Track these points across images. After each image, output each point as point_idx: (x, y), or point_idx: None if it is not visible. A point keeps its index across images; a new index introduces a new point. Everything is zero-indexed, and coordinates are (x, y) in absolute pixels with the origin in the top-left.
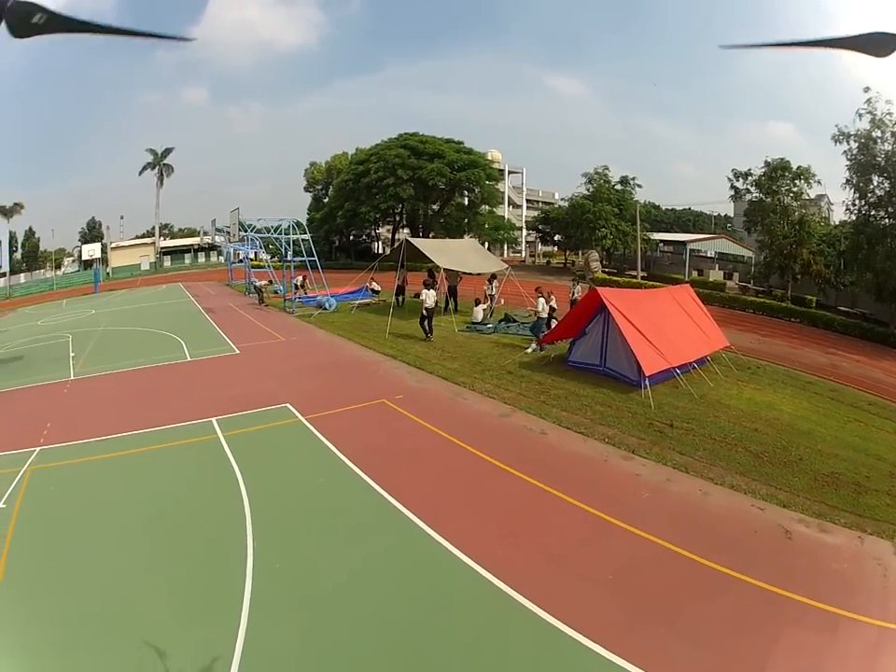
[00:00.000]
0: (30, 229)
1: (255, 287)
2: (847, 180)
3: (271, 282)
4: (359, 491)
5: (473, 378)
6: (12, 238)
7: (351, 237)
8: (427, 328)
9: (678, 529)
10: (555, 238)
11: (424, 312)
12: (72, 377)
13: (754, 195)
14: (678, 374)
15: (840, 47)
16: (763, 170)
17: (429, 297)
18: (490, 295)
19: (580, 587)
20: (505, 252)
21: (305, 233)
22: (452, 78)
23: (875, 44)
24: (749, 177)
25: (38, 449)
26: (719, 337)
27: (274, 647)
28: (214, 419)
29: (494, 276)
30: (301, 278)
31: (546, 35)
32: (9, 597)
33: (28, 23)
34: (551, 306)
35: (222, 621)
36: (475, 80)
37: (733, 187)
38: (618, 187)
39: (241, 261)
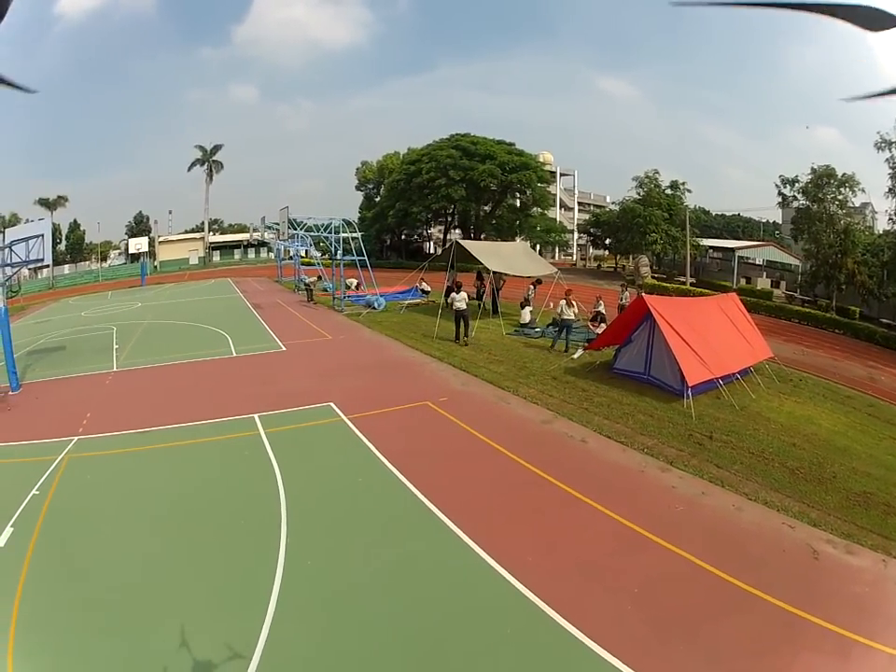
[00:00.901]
0: (74, 221)
1: (304, 284)
2: (890, 189)
3: (320, 277)
4: (396, 493)
5: (518, 382)
6: (56, 230)
7: (403, 237)
8: (461, 331)
9: (708, 545)
10: (606, 242)
11: (456, 314)
12: (115, 369)
13: (801, 202)
14: (720, 385)
15: (829, 14)
16: (810, 177)
17: (457, 299)
18: (526, 298)
19: (604, 598)
20: (557, 255)
21: (355, 232)
22: (503, 79)
23: (868, 17)
24: (797, 184)
25: (76, 438)
26: (763, 347)
27: (296, 642)
28: (256, 415)
29: (539, 281)
30: (355, 280)
31: (595, 35)
32: (35, 581)
33: None
34: (598, 311)
35: (248, 614)
36: (527, 81)
37: (780, 193)
38: (668, 191)
39: (291, 258)
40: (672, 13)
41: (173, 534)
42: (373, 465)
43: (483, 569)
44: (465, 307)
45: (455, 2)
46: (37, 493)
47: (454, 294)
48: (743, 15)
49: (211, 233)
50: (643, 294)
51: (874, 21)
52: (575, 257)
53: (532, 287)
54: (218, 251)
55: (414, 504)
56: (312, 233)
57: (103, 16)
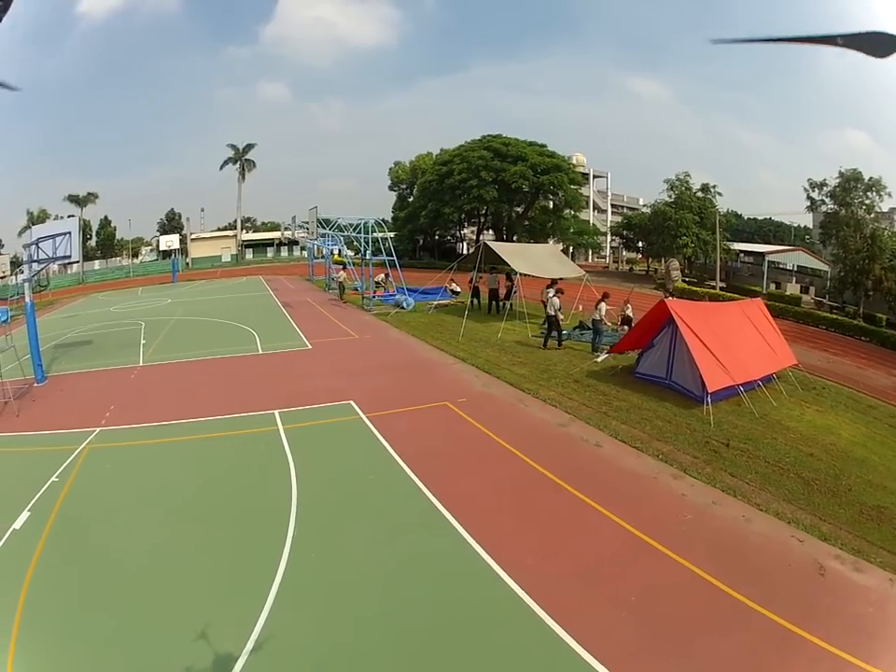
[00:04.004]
0: (105, 217)
1: (336, 282)
2: None
3: (345, 265)
4: (406, 492)
5: (539, 385)
6: (87, 226)
7: (436, 237)
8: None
9: (712, 556)
10: (639, 245)
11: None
12: (140, 363)
13: (829, 207)
14: (741, 392)
15: (837, 44)
16: (838, 180)
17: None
18: (544, 301)
19: (600, 605)
20: (589, 257)
21: (386, 232)
22: (535, 80)
23: (874, 43)
24: (825, 188)
25: (98, 429)
26: (787, 354)
27: (291, 631)
28: (276, 412)
29: (555, 281)
30: (382, 276)
31: (626, 36)
32: (46, 563)
33: None
34: (626, 315)
35: (247, 601)
36: (559, 82)
37: (809, 197)
38: (699, 194)
39: (322, 257)
40: (700, 15)
41: (184, 523)
42: (386, 463)
43: (483, 570)
44: (553, 313)
45: (482, 1)
46: (56, 480)
47: (551, 297)
48: (771, 17)
49: (244, 231)
50: (665, 298)
51: (880, 46)
52: (608, 259)
53: (550, 289)
54: (251, 249)
55: (423, 503)
56: (342, 233)
57: (125, 15)
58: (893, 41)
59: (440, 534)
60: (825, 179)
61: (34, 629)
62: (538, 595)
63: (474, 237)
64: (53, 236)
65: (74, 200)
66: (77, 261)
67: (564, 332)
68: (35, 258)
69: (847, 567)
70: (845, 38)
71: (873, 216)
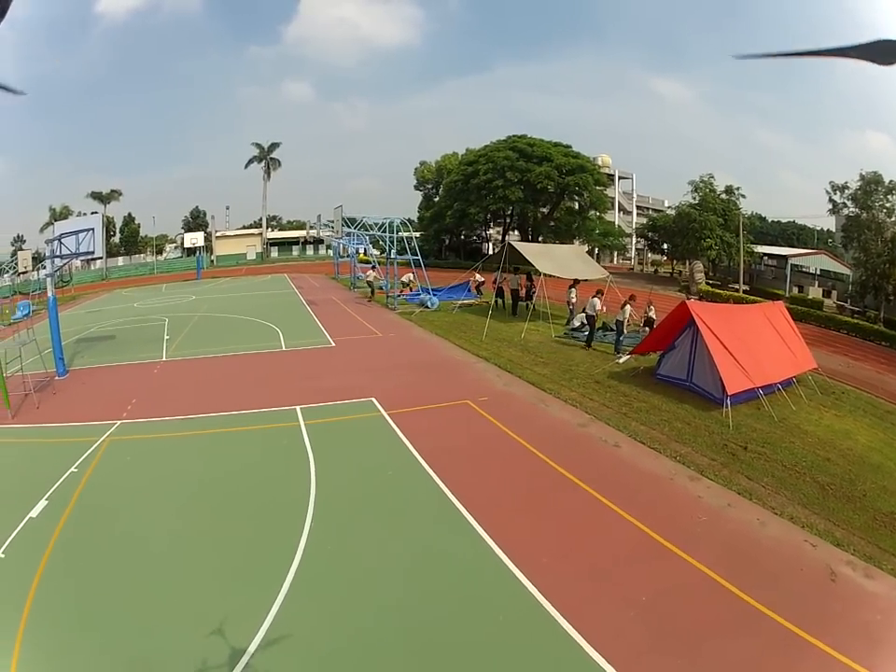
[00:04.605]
0: (129, 214)
1: (367, 281)
2: None
3: (374, 265)
4: (424, 488)
5: (560, 385)
6: (110, 223)
7: (462, 237)
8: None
9: (725, 558)
10: (663, 247)
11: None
12: (163, 358)
13: (850, 210)
14: (761, 395)
15: (844, 55)
16: (859, 183)
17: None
18: (568, 301)
19: (611, 605)
20: (615, 259)
21: (410, 232)
22: (559, 80)
23: (879, 52)
24: (846, 190)
25: (119, 422)
26: (807, 358)
27: (303, 620)
28: (298, 407)
29: (577, 281)
30: (409, 275)
31: (646, 36)
32: (61, 550)
33: None
34: (649, 317)
35: (261, 592)
36: (582, 83)
37: (830, 200)
38: (723, 196)
39: (348, 256)
40: (723, 15)
41: (202, 514)
42: (406, 459)
43: (497, 567)
44: (593, 314)
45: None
46: (75, 470)
47: (594, 299)
48: (793, 18)
49: (269, 229)
50: (686, 300)
51: (887, 54)
52: (633, 261)
53: (572, 290)
54: (276, 247)
55: (440, 500)
56: (367, 232)
57: (145, 15)
58: None
59: (455, 530)
60: (846, 182)
61: (44, 615)
62: (550, 594)
63: (500, 237)
64: (76, 232)
65: (97, 197)
66: (101, 257)
67: (586, 333)
68: (58, 253)
69: (859, 574)
70: (855, 49)
71: (894, 219)
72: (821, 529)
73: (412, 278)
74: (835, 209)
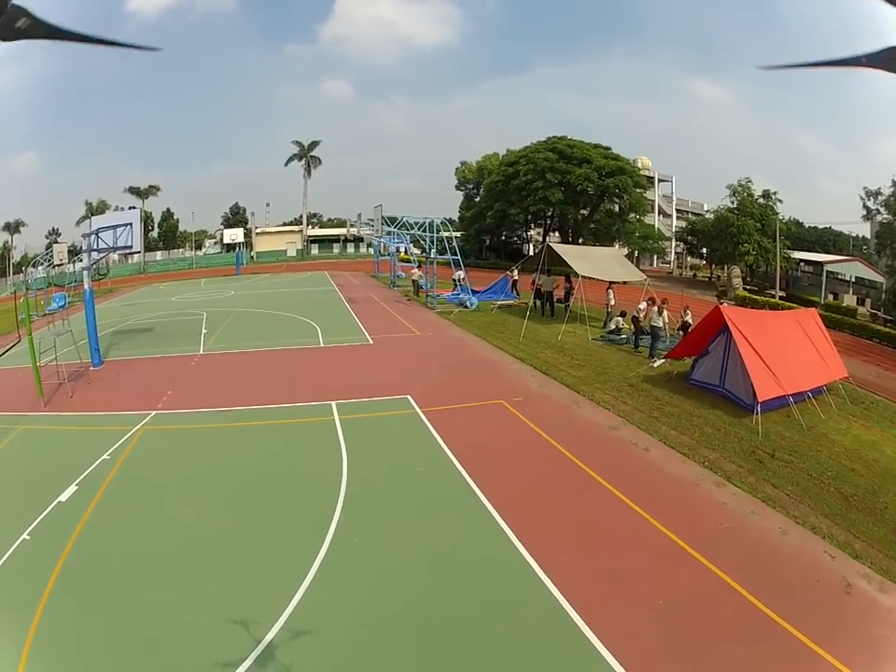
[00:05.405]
0: (167, 209)
1: (413, 279)
2: None
3: (420, 264)
4: (453, 484)
5: (594, 388)
6: (148, 217)
7: (502, 237)
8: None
9: (744, 566)
10: (702, 251)
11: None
12: (201, 352)
13: (884, 216)
14: (791, 403)
15: (856, 65)
16: (892, 189)
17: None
18: (608, 303)
19: (628, 607)
20: (654, 263)
21: (450, 232)
22: (599, 81)
23: (889, 60)
24: (879, 197)
25: (154, 412)
26: (838, 366)
27: (324, 611)
28: (333, 403)
29: (612, 284)
30: (460, 273)
31: (684, 37)
32: (88, 534)
33: (13, 27)
34: (685, 321)
35: (286, 579)
36: (622, 84)
37: (865, 206)
38: (760, 200)
39: (388, 255)
40: (758, 16)
41: (232, 502)
42: (437, 456)
43: (520, 565)
44: (661, 325)
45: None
46: (108, 458)
47: (641, 303)
48: (829, 18)
49: (310, 227)
50: (720, 305)
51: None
52: (672, 265)
53: (610, 291)
54: (317, 244)
55: (468, 496)
56: (407, 231)
57: (179, 13)
58: None
59: (482, 527)
60: (879, 188)
61: (65, 596)
62: (569, 593)
63: (540, 239)
64: (114, 227)
65: (135, 192)
66: (138, 252)
67: (622, 336)
68: (95, 247)
69: (874, 587)
70: (868, 58)
71: None
72: (841, 541)
73: (462, 276)
74: (869, 215)
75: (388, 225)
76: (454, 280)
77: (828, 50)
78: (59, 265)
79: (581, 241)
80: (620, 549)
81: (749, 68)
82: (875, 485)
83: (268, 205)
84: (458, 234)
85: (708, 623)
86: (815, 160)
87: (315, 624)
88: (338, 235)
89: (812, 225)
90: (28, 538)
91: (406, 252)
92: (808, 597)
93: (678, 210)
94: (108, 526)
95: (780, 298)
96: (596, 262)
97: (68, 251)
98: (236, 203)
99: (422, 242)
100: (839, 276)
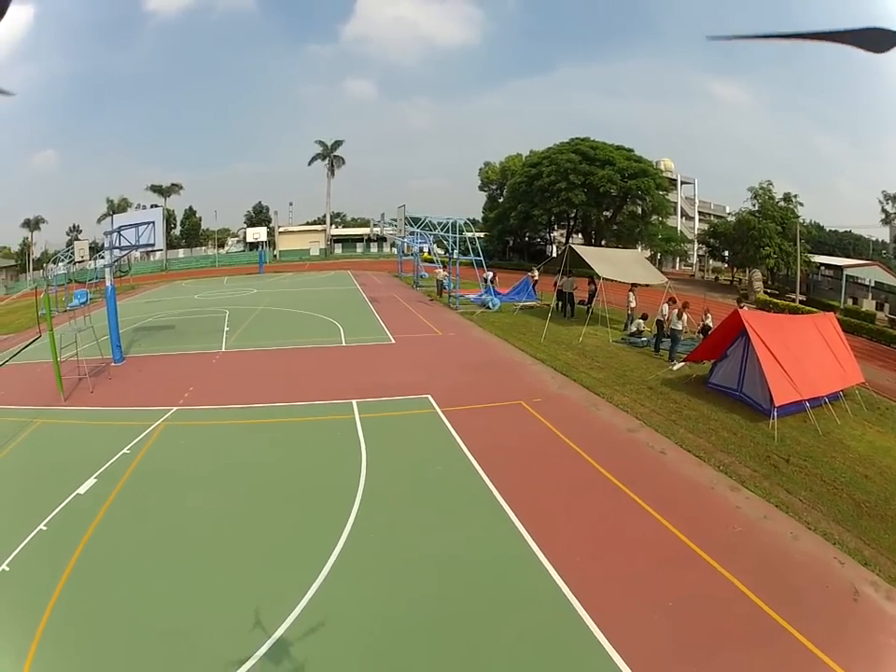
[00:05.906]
0: (190, 207)
1: (438, 279)
2: None
3: (445, 264)
4: (470, 483)
5: (613, 390)
6: (171, 215)
7: (525, 238)
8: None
9: (755, 570)
10: (724, 254)
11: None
12: (223, 349)
13: None
14: (808, 408)
15: (836, 40)
16: None
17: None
18: (630, 306)
19: (637, 608)
20: (677, 265)
21: (472, 232)
22: (620, 82)
23: (872, 39)
24: None
25: (175, 408)
26: (855, 372)
27: (338, 605)
28: (354, 401)
29: (634, 286)
30: (490, 274)
31: (702, 37)
32: (107, 525)
33: None
34: (706, 324)
35: (301, 573)
36: (644, 84)
37: (883, 210)
38: (781, 203)
39: (412, 255)
40: (778, 16)
41: (250, 498)
42: (455, 455)
43: (534, 565)
44: (681, 328)
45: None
46: (128, 452)
47: (663, 305)
48: (850, 21)
49: (333, 226)
50: (739, 308)
51: (879, 42)
52: (694, 268)
53: (631, 293)
54: (340, 244)
55: (485, 496)
56: (430, 231)
57: (198, 13)
58: (892, 36)
59: (496, 526)
60: None
61: (79, 587)
62: (581, 594)
63: (563, 240)
64: (136, 225)
65: (157, 190)
66: (161, 249)
67: (643, 339)
68: (117, 245)
69: (881, 595)
70: (849, 34)
71: None
72: (851, 547)
73: (491, 277)
74: (888, 219)
75: (412, 225)
76: (483, 279)
77: (845, 51)
78: (80, 262)
79: (603, 242)
80: (631, 550)
81: (769, 69)
82: (887, 492)
83: (291, 204)
84: (482, 235)
85: (716, 625)
86: (832, 161)
87: (328, 619)
88: (361, 235)
89: (832, 229)
90: (45, 528)
91: (429, 252)
92: (816, 603)
93: (700, 213)
94: (126, 519)
95: (800, 302)
96: (618, 264)
97: (89, 248)
98: (259, 202)
99: (445, 242)
100: (858, 281)
